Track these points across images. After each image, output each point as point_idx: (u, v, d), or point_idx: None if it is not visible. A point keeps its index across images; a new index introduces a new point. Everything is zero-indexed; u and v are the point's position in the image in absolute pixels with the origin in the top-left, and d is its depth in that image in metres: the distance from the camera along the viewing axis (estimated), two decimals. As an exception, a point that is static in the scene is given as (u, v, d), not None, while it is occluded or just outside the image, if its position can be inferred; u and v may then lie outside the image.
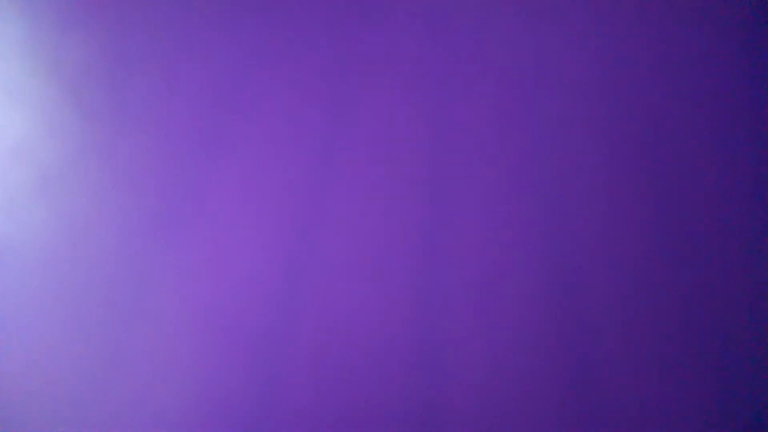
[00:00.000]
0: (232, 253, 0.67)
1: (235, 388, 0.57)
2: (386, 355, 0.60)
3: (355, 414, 0.56)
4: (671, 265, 0.67)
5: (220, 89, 0.85)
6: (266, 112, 0.82)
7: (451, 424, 0.55)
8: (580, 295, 0.65)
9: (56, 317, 0.62)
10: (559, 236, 0.70)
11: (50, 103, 0.82)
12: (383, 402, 0.57)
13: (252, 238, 0.69)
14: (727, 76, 0.87)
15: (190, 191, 0.73)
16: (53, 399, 0.56)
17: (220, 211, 0.71)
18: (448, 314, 0.63)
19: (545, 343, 0.61)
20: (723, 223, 0.71)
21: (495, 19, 0.97)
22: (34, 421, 0.54)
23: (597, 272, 0.67)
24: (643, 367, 0.59)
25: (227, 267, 0.66)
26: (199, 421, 0.55)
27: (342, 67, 0.89)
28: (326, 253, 0.68)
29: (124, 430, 0.54)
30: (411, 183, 0.75)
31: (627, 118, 0.82)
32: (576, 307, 0.64)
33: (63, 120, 0.80)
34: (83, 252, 0.67)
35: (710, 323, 0.62)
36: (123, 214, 0.70)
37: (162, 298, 0.63)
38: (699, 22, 0.96)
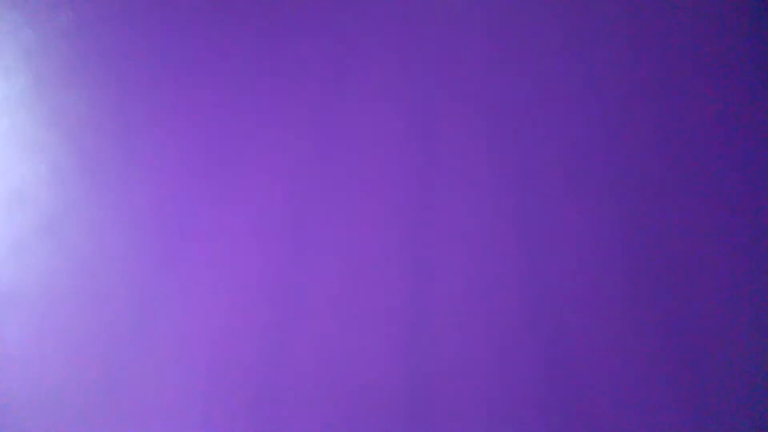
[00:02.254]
0: (231, 289, 0.69)
1: (237, 392, 0.58)
2: (382, 356, 0.61)
3: (354, 415, 0.58)
4: (667, 267, 0.67)
5: (219, 133, 0.87)
6: (261, 123, 0.84)
7: (445, 425, 0.58)
8: (572, 297, 0.65)
9: (61, 357, 0.63)
10: (552, 238, 0.70)
11: (53, 150, 0.85)
12: (379, 403, 0.58)
13: (250, 247, 0.70)
14: (727, 76, 0.88)
15: (189, 233, 0.75)
16: None
17: (219, 245, 0.73)
18: (443, 317, 0.64)
19: (538, 346, 0.62)
20: (723, 224, 0.71)
21: (488, 21, 0.99)
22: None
23: (590, 274, 0.67)
24: (636, 368, 0.60)
25: (227, 300, 0.68)
26: (200, 428, 0.56)
27: (332, 74, 0.91)
28: (324, 257, 0.69)
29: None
30: (405, 186, 0.76)
31: (620, 118, 0.83)
32: (569, 309, 0.64)
33: (66, 165, 0.83)
34: (87, 293, 0.69)
35: (710, 325, 0.63)
36: (125, 253, 0.73)
37: (164, 338, 0.65)
38: (699, 22, 0.97)
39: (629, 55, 0.96)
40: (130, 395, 0.60)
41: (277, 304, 0.68)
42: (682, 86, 0.91)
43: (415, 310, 0.67)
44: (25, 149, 0.85)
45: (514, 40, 1.01)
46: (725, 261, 0.70)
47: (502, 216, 0.75)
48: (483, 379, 0.61)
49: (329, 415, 0.58)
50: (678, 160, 0.81)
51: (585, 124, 0.86)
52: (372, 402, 0.60)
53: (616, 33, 1.01)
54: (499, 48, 1.00)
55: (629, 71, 0.94)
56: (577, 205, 0.76)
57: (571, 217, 0.75)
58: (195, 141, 0.86)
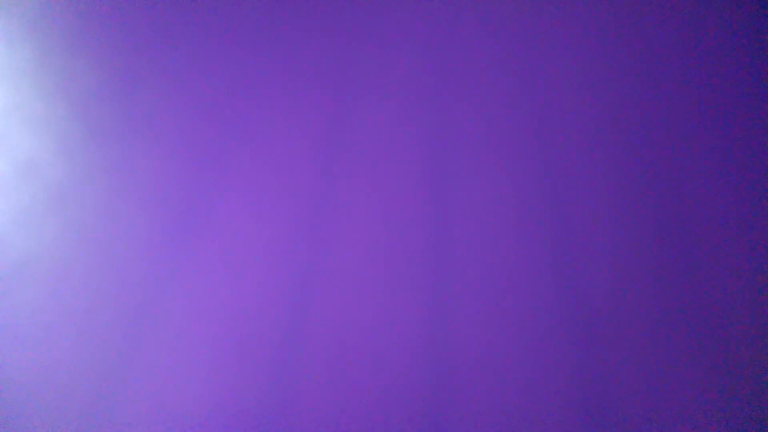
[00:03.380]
0: (243, 261, 0.69)
1: (248, 392, 0.59)
2: (397, 357, 0.61)
3: (368, 416, 0.57)
4: (679, 266, 0.67)
5: (226, 102, 0.87)
6: (273, 119, 0.84)
7: (462, 425, 0.56)
8: (586, 295, 0.65)
9: (70, 327, 0.63)
10: (566, 235, 0.70)
11: (59, 121, 0.84)
12: (394, 403, 0.58)
13: (262, 242, 0.70)
14: (727, 76, 0.88)
15: (198, 201, 0.75)
16: (66, 407, 0.57)
17: (229, 219, 0.73)
18: (458, 315, 0.64)
19: (552, 342, 0.62)
20: (728, 223, 0.71)
21: (496, 21, 0.98)
22: (48, 428, 0.56)
23: (604, 272, 0.67)
24: (652, 366, 0.60)
25: (238, 274, 0.68)
26: (210, 426, 0.56)
27: (344, 74, 0.90)
28: (335, 257, 0.69)
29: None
30: (416, 185, 0.76)
31: (627, 118, 0.83)
32: (583, 307, 0.64)
33: (72, 137, 0.82)
34: (95, 263, 0.69)
35: (717, 324, 0.63)
36: (133, 225, 0.72)
37: (173, 307, 0.65)
38: (699, 22, 0.96)
39: (643, 58, 0.95)
40: (138, 368, 0.60)
41: (292, 297, 0.67)
42: (699, 88, 0.90)
43: (434, 310, 0.66)
44: (32, 121, 0.84)
45: (526, 39, 1.00)
46: (757, 260, 0.70)
47: (523, 215, 0.75)
48: (504, 382, 0.61)
49: (343, 419, 0.58)
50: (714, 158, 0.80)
51: (598, 121, 0.86)
52: (390, 406, 0.60)
53: (628, 34, 1.00)
54: (511, 47, 0.99)
55: (645, 73, 0.93)
56: (603, 202, 0.76)
57: (596, 214, 0.74)
58: (205, 109, 0.85)
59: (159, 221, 0.73)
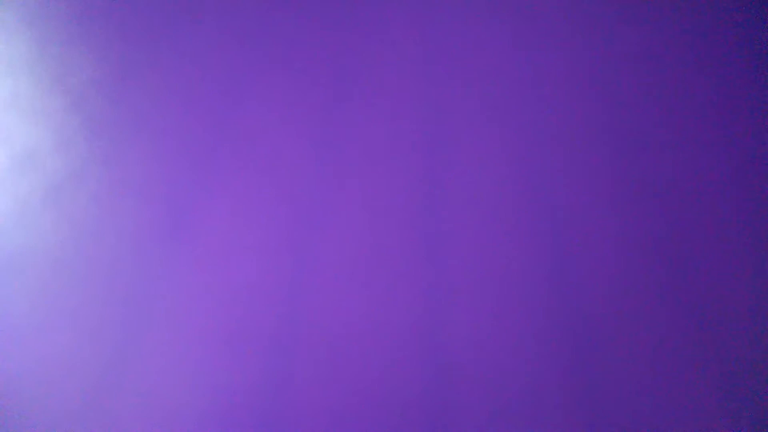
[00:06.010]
0: (237, 256, 0.69)
1: (243, 388, 0.59)
2: (390, 357, 0.61)
3: (362, 414, 0.57)
4: (676, 266, 0.68)
5: (224, 97, 0.87)
6: (270, 116, 0.84)
7: (458, 423, 0.56)
8: (584, 294, 0.65)
9: (66, 321, 0.63)
10: (561, 235, 0.70)
11: (57, 114, 0.84)
12: (388, 401, 0.58)
13: (257, 238, 0.71)
14: (728, 75, 0.88)
15: (194, 195, 0.75)
16: (62, 402, 0.58)
17: (224, 213, 0.73)
18: (454, 314, 0.64)
19: (550, 343, 0.62)
20: (729, 223, 0.71)
21: (494, 20, 0.98)
22: (44, 424, 0.57)
23: (602, 272, 0.67)
24: (651, 366, 0.60)
25: (232, 269, 0.68)
26: (206, 424, 0.57)
27: (341, 71, 0.91)
28: (330, 255, 0.69)
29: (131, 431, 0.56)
30: (409, 185, 0.76)
31: (627, 117, 0.83)
32: (581, 306, 0.64)
33: (70, 129, 0.82)
34: (91, 257, 0.69)
35: (717, 325, 0.63)
36: (129, 220, 0.73)
37: (169, 300, 0.65)
38: (699, 22, 0.96)
39: (644, 57, 0.95)
40: (133, 362, 0.60)
41: (286, 294, 0.68)
42: (701, 87, 0.90)
43: (429, 308, 0.67)
44: (29, 114, 0.84)
45: (526, 36, 1.00)
46: (758, 260, 0.70)
47: (520, 215, 0.75)
48: (500, 380, 0.61)
49: (337, 417, 0.58)
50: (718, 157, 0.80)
51: (597, 122, 0.86)
52: (384, 404, 0.60)
53: (631, 31, 1.00)
54: (511, 45, 0.99)
55: (644, 73, 0.93)
56: (598, 200, 0.76)
57: (590, 212, 0.75)
58: (202, 104, 0.85)
59: (155, 214, 0.73)
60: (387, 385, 0.59)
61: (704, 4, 1.00)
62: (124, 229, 0.71)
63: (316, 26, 0.98)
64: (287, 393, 0.58)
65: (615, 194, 0.74)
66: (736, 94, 0.85)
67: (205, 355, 0.61)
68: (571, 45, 0.94)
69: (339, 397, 0.58)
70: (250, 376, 0.59)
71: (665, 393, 0.58)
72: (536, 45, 0.94)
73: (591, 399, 0.58)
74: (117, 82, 0.89)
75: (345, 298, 0.65)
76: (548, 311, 0.64)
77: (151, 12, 1.01)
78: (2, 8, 1.03)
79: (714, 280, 0.66)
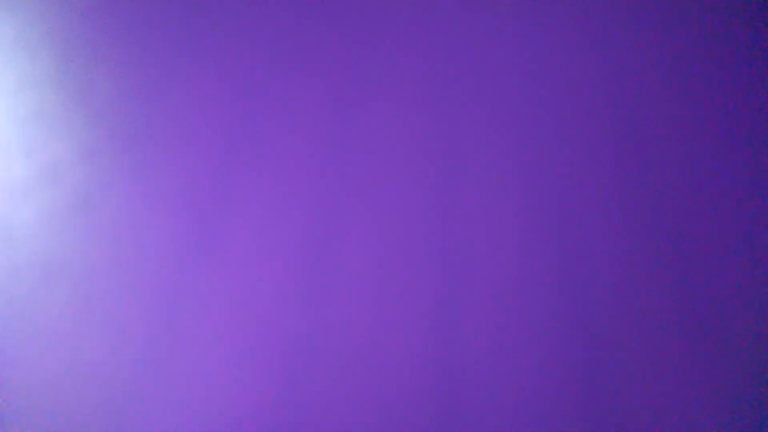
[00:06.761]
0: (261, 266, 0.70)
1: (263, 393, 0.60)
2: (407, 359, 0.62)
3: (378, 417, 0.58)
4: (691, 269, 0.68)
5: (247, 107, 0.88)
6: (293, 124, 0.85)
7: (471, 426, 0.57)
8: (594, 302, 0.65)
9: (93, 329, 0.65)
10: (573, 237, 0.71)
11: (82, 128, 0.86)
12: (404, 404, 0.59)
13: (279, 246, 0.71)
14: (728, 75, 0.88)
15: (218, 206, 0.76)
16: (92, 408, 0.59)
17: (248, 224, 0.74)
18: (467, 318, 0.64)
19: (561, 346, 0.62)
20: (730, 223, 0.72)
21: (501, 24, 0.99)
22: (74, 428, 0.58)
23: (613, 275, 0.67)
24: (662, 369, 0.60)
25: (257, 277, 0.69)
26: (231, 431, 0.57)
27: (357, 79, 0.91)
28: (348, 261, 0.70)
29: None
30: (425, 188, 0.76)
31: (635, 120, 0.83)
32: (591, 313, 0.65)
33: (94, 141, 0.84)
34: (118, 266, 0.70)
35: (721, 326, 0.63)
36: (154, 229, 0.74)
37: (195, 309, 0.66)
38: (701, 22, 0.96)
39: (648, 58, 0.96)
40: (161, 369, 0.61)
41: (306, 301, 0.68)
42: (704, 88, 0.90)
43: (443, 313, 0.67)
44: (54, 127, 0.86)
45: (533, 38, 1.01)
46: (758, 261, 0.70)
47: (531, 218, 0.76)
48: (513, 383, 0.62)
49: (355, 421, 0.59)
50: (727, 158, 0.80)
51: (606, 124, 0.86)
52: (399, 407, 0.60)
53: (635, 32, 1.01)
54: (519, 47, 1.00)
55: (650, 73, 0.93)
56: (603, 207, 0.76)
57: (605, 216, 0.75)
58: (228, 116, 0.87)
59: (178, 225, 0.74)
60: (402, 388, 0.59)
61: (706, 3, 1.00)
62: (148, 239, 0.72)
63: (336, 30, 1.00)
64: (306, 398, 0.59)
65: (626, 197, 0.75)
66: (742, 94, 0.85)
67: (230, 363, 0.62)
68: (580, 47, 0.94)
69: (357, 402, 0.59)
70: (274, 384, 0.60)
71: (682, 399, 0.58)
72: (546, 47, 0.95)
73: (601, 406, 0.58)
74: (138, 95, 0.91)
75: (363, 303, 0.66)
76: (559, 317, 0.65)
77: (173, 26, 1.03)
78: (26, 24, 1.05)
79: (718, 281, 0.66)
